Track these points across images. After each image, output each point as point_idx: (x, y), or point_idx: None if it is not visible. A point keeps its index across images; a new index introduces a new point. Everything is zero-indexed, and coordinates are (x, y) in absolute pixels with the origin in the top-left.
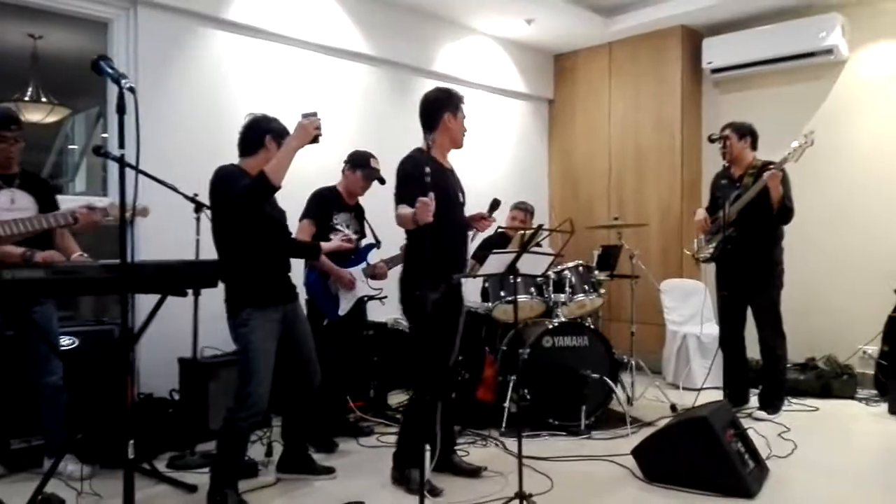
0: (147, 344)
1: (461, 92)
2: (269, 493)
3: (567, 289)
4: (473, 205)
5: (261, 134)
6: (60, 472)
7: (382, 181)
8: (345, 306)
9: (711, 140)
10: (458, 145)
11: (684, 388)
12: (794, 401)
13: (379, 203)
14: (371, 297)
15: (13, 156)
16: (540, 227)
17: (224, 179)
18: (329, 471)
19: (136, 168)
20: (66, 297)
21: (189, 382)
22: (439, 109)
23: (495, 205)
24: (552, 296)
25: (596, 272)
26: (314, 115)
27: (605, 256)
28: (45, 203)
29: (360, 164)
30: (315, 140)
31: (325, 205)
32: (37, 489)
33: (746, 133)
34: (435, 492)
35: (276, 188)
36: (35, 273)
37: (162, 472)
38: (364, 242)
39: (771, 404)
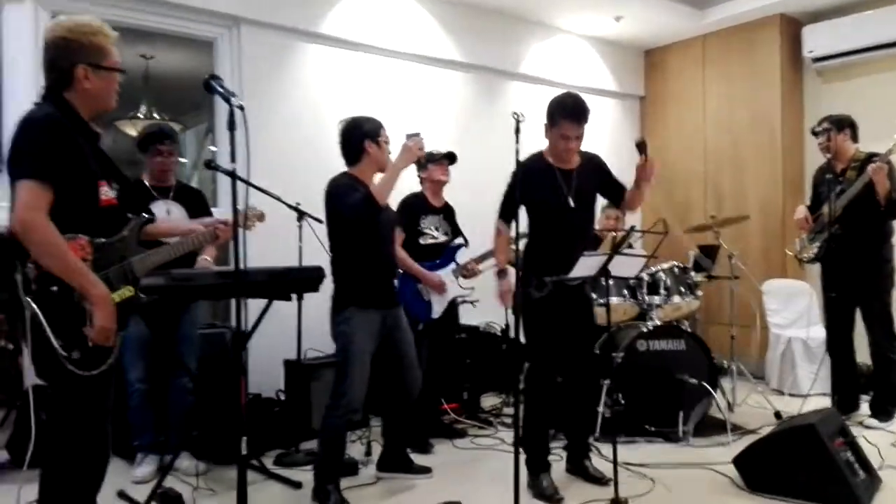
0: (255, 346)
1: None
2: (370, 491)
3: (662, 291)
4: None
5: (359, 140)
6: (177, 468)
7: (454, 155)
8: (438, 308)
9: (815, 133)
10: (555, 157)
11: (790, 395)
12: None
13: (469, 204)
14: (463, 299)
15: (168, 168)
16: (632, 228)
17: (336, 194)
18: (426, 471)
19: (246, 181)
20: (184, 303)
21: (294, 383)
22: (547, 116)
23: (642, 145)
24: (646, 298)
25: (692, 273)
26: (417, 135)
27: (702, 257)
28: (196, 214)
29: (427, 159)
30: (418, 161)
31: (410, 212)
32: (157, 484)
33: (846, 125)
34: (555, 498)
35: (382, 207)
36: (156, 280)
37: (270, 469)
38: (454, 243)
39: (884, 411)
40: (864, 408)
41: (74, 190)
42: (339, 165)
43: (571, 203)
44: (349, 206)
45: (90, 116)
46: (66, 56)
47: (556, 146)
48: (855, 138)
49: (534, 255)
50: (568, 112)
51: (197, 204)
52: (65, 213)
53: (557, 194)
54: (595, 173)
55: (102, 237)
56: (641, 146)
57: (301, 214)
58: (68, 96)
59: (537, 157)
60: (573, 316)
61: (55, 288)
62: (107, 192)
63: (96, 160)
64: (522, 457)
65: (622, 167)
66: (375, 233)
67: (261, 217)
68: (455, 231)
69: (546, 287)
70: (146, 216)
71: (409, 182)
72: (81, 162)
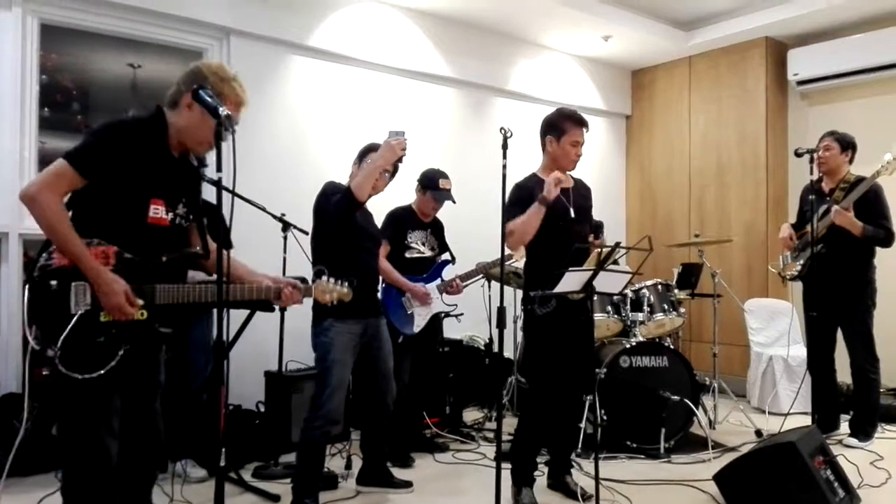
0: (236, 357)
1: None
2: None
3: (645, 308)
4: None
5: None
6: (179, 474)
7: (453, 201)
8: (419, 322)
9: (798, 154)
10: (562, 168)
11: (770, 413)
12: (887, 427)
13: (454, 220)
14: (446, 314)
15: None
16: (617, 244)
17: (324, 193)
18: (407, 485)
19: (232, 192)
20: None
21: (274, 395)
22: (544, 133)
23: (599, 227)
24: (630, 314)
25: (676, 291)
26: (402, 133)
27: (685, 275)
28: (210, 228)
29: (429, 186)
30: (399, 160)
31: (398, 224)
32: None
33: (849, 146)
34: None
35: (361, 202)
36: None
37: (248, 482)
38: (441, 258)
39: (863, 431)
40: (845, 427)
41: (119, 200)
42: (325, 177)
43: (572, 213)
44: (334, 202)
45: (177, 145)
46: (190, 80)
47: (568, 154)
48: (851, 161)
49: (535, 271)
50: (576, 119)
51: (212, 219)
52: (106, 222)
53: (559, 203)
54: (585, 196)
55: (144, 255)
56: (598, 228)
57: (286, 225)
58: (168, 114)
59: (532, 177)
60: (576, 332)
61: (54, 282)
62: (157, 212)
63: (163, 181)
64: (504, 471)
65: (607, 185)
66: (355, 241)
67: (344, 296)
68: (442, 247)
69: (550, 303)
70: (198, 251)
71: (404, 194)
72: (134, 175)
